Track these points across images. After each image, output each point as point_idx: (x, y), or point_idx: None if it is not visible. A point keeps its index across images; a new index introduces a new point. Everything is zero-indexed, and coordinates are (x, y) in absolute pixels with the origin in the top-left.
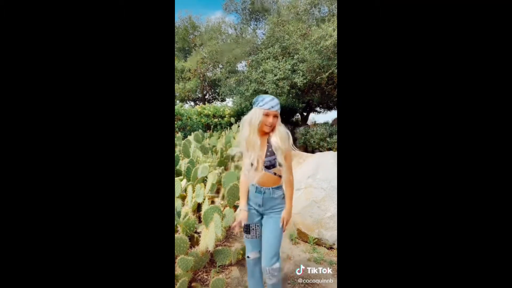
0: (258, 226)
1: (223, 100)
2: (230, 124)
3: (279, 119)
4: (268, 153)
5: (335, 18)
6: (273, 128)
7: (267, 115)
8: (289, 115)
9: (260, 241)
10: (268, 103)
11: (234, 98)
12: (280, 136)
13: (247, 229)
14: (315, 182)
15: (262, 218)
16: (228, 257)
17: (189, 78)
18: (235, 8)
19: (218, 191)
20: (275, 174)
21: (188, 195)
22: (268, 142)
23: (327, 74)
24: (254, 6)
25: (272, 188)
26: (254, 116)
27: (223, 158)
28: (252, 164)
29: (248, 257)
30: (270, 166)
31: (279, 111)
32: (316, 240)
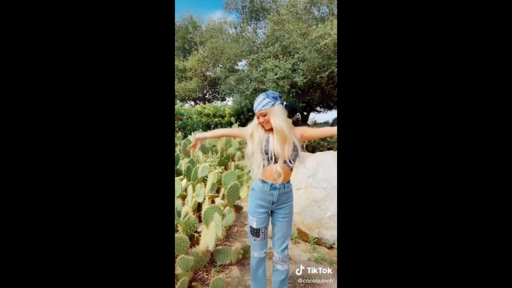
0: (266, 228)
1: (223, 99)
2: (231, 124)
3: (270, 117)
4: (291, 149)
5: (334, 17)
6: (270, 127)
7: (258, 118)
8: (289, 115)
9: (267, 242)
10: (254, 109)
11: (234, 97)
12: (279, 137)
13: (256, 233)
14: (315, 182)
15: (270, 216)
16: (228, 257)
17: (190, 78)
18: (235, 6)
19: (218, 191)
20: (291, 169)
21: (188, 195)
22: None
23: (327, 73)
24: (253, 5)
25: (286, 183)
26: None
27: (223, 158)
28: (268, 159)
29: (253, 255)
30: (291, 160)
31: (263, 109)
32: (316, 239)
